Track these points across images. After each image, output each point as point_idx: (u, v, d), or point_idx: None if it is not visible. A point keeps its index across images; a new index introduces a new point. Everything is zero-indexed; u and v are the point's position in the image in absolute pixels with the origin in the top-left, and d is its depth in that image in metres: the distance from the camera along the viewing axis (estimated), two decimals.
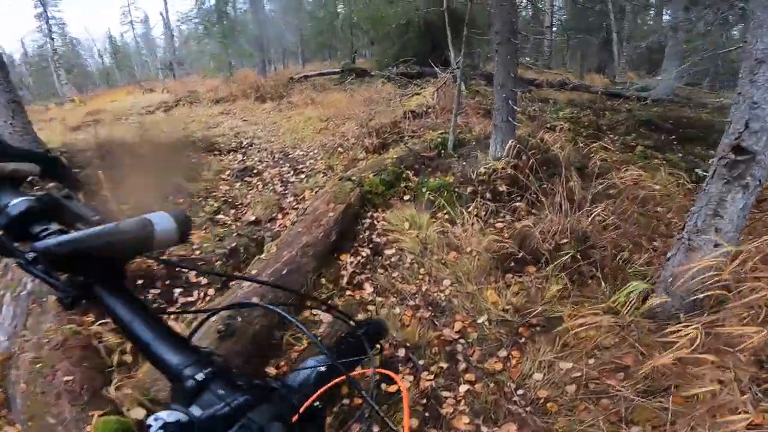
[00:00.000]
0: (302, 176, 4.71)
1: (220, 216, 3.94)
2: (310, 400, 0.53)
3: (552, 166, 4.35)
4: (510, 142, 3.77)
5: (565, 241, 3.45)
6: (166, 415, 0.39)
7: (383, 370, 0.69)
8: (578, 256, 3.28)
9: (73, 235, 0.46)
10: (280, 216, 3.95)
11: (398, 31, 10.12)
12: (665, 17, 14.16)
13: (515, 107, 4.04)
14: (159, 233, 0.49)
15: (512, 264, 3.41)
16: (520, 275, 3.31)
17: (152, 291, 3.09)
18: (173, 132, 6.46)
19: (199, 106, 9.79)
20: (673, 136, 7.12)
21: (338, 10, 17.26)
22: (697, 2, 8.11)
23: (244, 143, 6.09)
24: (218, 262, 3.38)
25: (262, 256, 3.18)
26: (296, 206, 4.10)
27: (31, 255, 0.49)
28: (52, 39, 19.09)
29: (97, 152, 4.58)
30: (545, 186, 4.10)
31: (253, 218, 3.86)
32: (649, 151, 6.07)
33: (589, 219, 3.63)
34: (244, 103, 9.32)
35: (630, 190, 3.23)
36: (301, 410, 0.50)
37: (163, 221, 0.50)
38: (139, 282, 3.09)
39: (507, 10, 3.70)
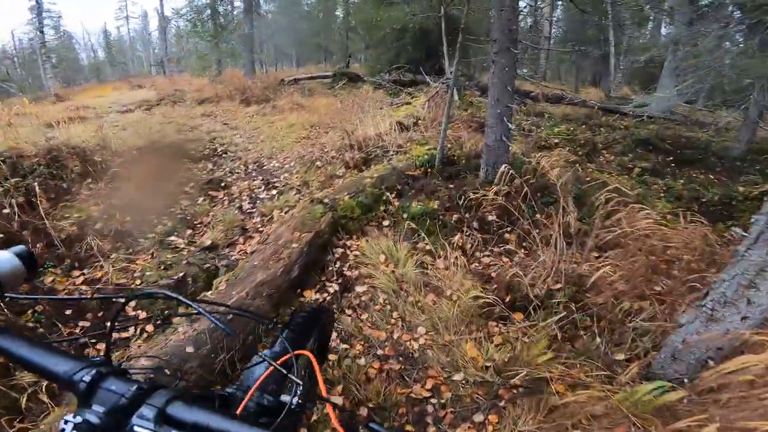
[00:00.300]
0: (274, 192, 4.19)
1: (172, 238, 3.42)
2: (248, 397, 0.64)
3: (547, 193, 3.90)
4: (503, 167, 3.30)
5: (559, 286, 3.01)
6: (73, 417, 0.43)
7: (299, 351, 0.80)
8: (572, 305, 2.84)
9: None
10: (241, 240, 3.44)
11: (393, 37, 9.65)
12: (663, 31, 13.86)
13: (510, 125, 3.58)
14: (4, 274, 0.51)
15: (497, 309, 2.98)
16: (505, 323, 2.87)
17: (81, 324, 2.65)
18: (144, 135, 5.91)
19: (182, 106, 9.25)
20: (671, 158, 6.74)
21: (336, 13, 16.78)
22: (702, 17, 7.75)
23: (219, 150, 5.57)
24: (153, 305, 2.87)
25: (209, 293, 2.67)
26: (261, 229, 3.59)
27: None
28: (42, 32, 18.33)
29: (44, 159, 4.03)
30: (538, 217, 3.65)
31: (209, 242, 3.34)
32: (648, 176, 5.66)
33: (590, 267, 3.20)
34: (228, 105, 8.79)
35: (642, 240, 2.76)
36: (243, 403, 0.60)
37: (5, 261, 0.52)
38: (68, 312, 2.66)
39: (507, 16, 3.23)
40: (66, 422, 0.42)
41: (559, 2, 14.22)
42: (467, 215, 3.73)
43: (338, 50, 15.81)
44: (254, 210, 3.88)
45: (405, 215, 3.55)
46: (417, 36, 9.45)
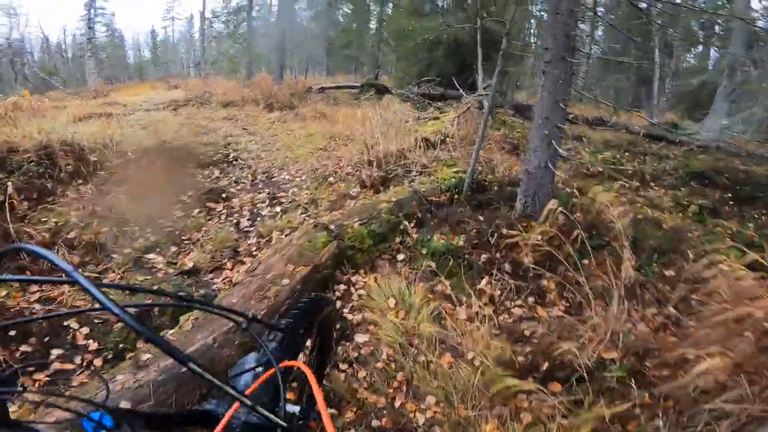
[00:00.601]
0: (278, 209, 3.63)
1: (151, 255, 2.89)
2: (228, 415, 0.54)
3: (597, 235, 3.17)
4: (551, 203, 2.62)
5: (614, 355, 2.32)
6: None
7: (290, 363, 0.69)
8: (630, 380, 2.11)
9: None
10: (229, 265, 2.87)
11: (425, 48, 9.07)
12: (713, 54, 12.82)
13: (560, 149, 2.90)
14: None
15: (528, 378, 2.33)
16: (537, 396, 2.21)
17: (22, 348, 2.18)
18: (159, 135, 5.51)
19: (207, 108, 8.94)
20: (729, 194, 5.83)
21: (370, 25, 16.44)
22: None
23: (230, 156, 5.08)
24: (119, 324, 2.36)
25: (170, 332, 2.10)
26: (256, 252, 3.02)
27: None
28: (90, 28, 18.78)
29: (35, 155, 3.61)
30: (586, 263, 2.95)
31: (191, 265, 2.79)
32: (707, 216, 4.82)
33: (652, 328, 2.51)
34: (252, 109, 8.40)
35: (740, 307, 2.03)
36: (222, 424, 0.49)
37: None
38: (12, 334, 2.20)
39: (564, 20, 2.58)
40: None
41: (599, 23, 13.37)
42: (498, 255, 3.04)
43: (369, 62, 15.41)
44: (252, 229, 3.32)
45: (424, 251, 2.91)
46: (450, 48, 8.84)
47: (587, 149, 6.06)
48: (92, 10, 20.04)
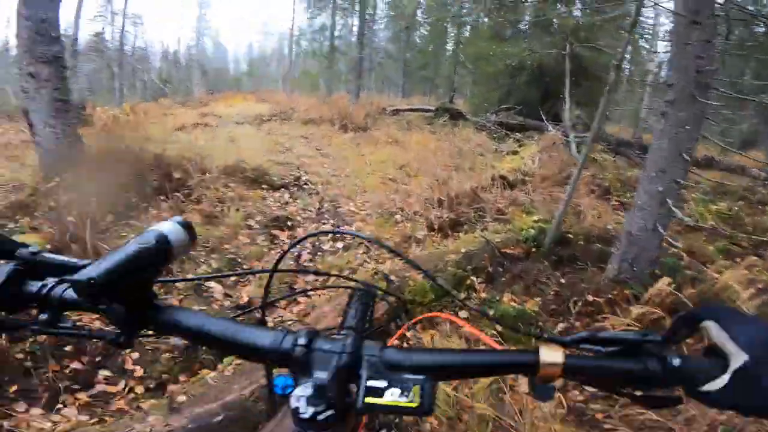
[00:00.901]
0: (339, 245, 3.46)
1: (212, 283, 2.84)
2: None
3: None
4: (661, 282, 2.10)
5: None
6: (301, 390, 0.36)
7: (429, 314, 1.18)
8: None
9: (104, 263, 0.37)
10: (283, 303, 2.73)
11: (506, 74, 8.60)
12: None
13: (677, 211, 2.37)
14: (175, 242, 0.44)
15: None
16: None
17: (72, 366, 2.12)
18: (241, 151, 5.72)
19: (287, 124, 9.30)
20: None
21: (447, 47, 16.25)
22: None
23: (302, 180, 5.08)
24: (166, 354, 2.30)
25: (211, 376, 1.96)
26: (311, 292, 2.86)
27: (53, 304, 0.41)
28: (198, 41, 20.98)
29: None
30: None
31: (246, 299, 2.69)
32: None
33: None
34: (328, 128, 8.55)
35: None
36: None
37: (174, 230, 0.44)
38: (67, 349, 2.18)
39: (696, 51, 2.10)
40: (298, 399, 0.35)
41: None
42: (578, 324, 2.56)
43: (444, 84, 15.18)
44: (311, 264, 3.18)
45: (492, 312, 2.52)
46: (534, 74, 8.27)
47: (695, 195, 5.13)
48: (201, 23, 22.42)
